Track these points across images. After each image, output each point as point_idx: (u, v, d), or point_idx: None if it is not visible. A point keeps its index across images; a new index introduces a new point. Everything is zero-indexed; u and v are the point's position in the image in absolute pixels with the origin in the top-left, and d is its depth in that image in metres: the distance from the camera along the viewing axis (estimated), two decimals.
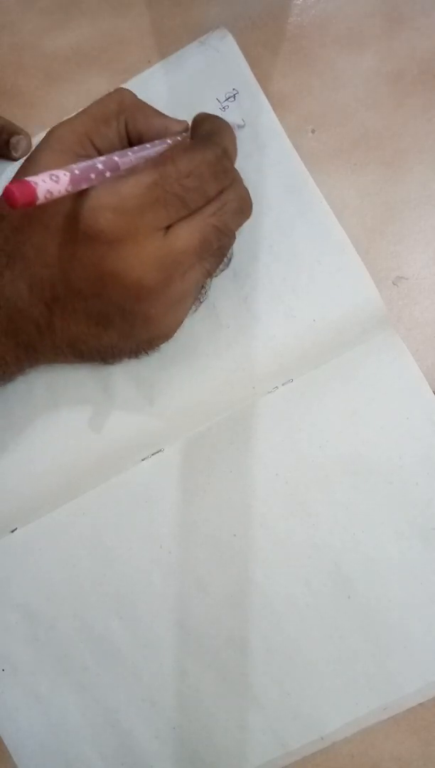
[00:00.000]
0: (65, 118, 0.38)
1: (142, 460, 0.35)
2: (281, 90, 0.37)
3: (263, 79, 0.37)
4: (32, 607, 0.35)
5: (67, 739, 0.34)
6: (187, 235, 0.29)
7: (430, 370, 0.34)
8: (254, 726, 0.33)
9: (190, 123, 0.33)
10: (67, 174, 0.25)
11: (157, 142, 0.31)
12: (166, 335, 0.32)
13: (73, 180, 0.26)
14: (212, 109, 0.36)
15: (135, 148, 0.30)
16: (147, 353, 0.34)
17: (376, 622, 0.33)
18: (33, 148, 0.38)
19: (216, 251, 0.31)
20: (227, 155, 0.30)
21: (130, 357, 0.34)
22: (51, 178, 0.25)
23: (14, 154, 0.37)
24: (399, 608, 0.33)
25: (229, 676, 0.33)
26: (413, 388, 0.33)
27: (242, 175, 0.32)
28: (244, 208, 0.31)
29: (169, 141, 0.32)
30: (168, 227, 0.29)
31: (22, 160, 0.38)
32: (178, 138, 0.32)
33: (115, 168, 0.28)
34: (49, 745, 0.35)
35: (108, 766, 0.34)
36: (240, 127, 0.36)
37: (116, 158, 0.28)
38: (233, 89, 0.36)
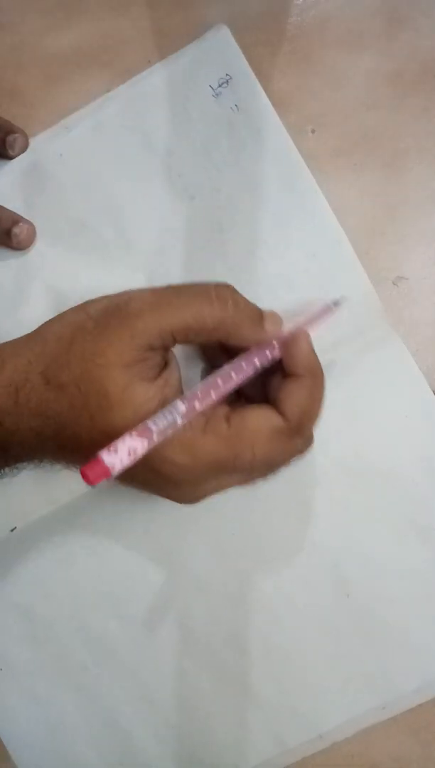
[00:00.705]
0: (66, 117, 0.38)
1: None
2: (281, 90, 0.37)
3: (263, 79, 0.37)
4: (30, 606, 0.35)
5: (65, 739, 0.34)
6: (239, 481, 0.30)
7: (430, 370, 0.34)
8: (253, 724, 0.33)
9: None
10: (145, 445, 0.26)
11: (243, 365, 0.29)
12: (188, 503, 0.31)
13: (151, 445, 0.26)
14: (205, 96, 0.36)
15: (219, 384, 0.28)
16: None
17: (374, 621, 0.33)
18: (29, 146, 0.38)
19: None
20: (309, 443, 0.30)
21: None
22: (129, 456, 0.25)
23: (10, 153, 0.37)
24: (397, 607, 0.33)
25: (227, 674, 0.33)
26: (412, 386, 0.33)
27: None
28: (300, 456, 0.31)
29: (256, 362, 0.29)
30: None
31: (17, 158, 0.37)
32: (263, 356, 0.30)
33: (193, 413, 0.28)
34: (48, 745, 0.35)
35: (106, 765, 0.34)
36: (338, 303, 0.33)
37: (197, 405, 0.28)
38: (226, 74, 0.36)
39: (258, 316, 0.30)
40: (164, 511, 0.34)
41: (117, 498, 0.35)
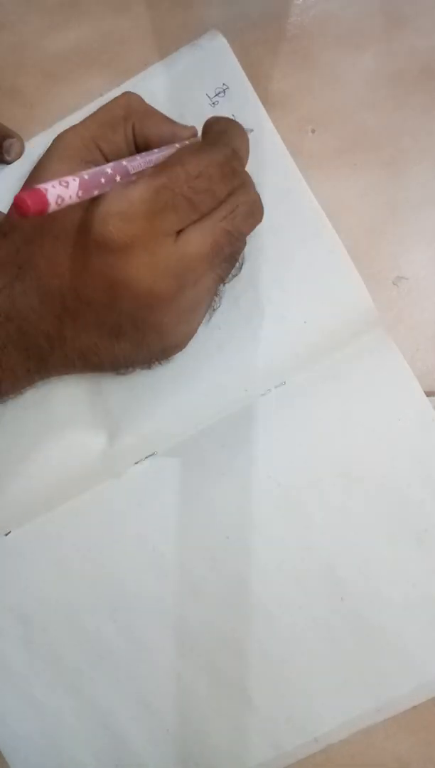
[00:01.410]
0: (66, 117, 0.38)
1: (136, 463, 0.35)
2: (281, 90, 0.37)
3: (263, 79, 0.37)
4: (25, 609, 0.35)
5: (60, 742, 0.34)
6: (198, 240, 0.28)
7: (431, 370, 0.34)
8: (248, 728, 0.33)
9: (199, 128, 0.33)
10: (77, 179, 0.25)
11: (165, 147, 0.31)
12: (179, 345, 0.32)
13: (83, 185, 0.25)
14: (202, 105, 0.36)
15: (144, 153, 0.30)
16: (160, 363, 0.33)
17: (369, 624, 0.32)
18: (25, 150, 0.38)
19: (228, 256, 0.31)
20: (237, 156, 0.30)
21: (142, 367, 0.33)
22: (61, 184, 0.24)
23: (7, 158, 0.37)
24: (392, 609, 0.32)
25: (222, 678, 0.33)
26: (405, 389, 0.33)
27: None
28: (255, 212, 0.31)
29: (177, 145, 0.31)
30: (178, 233, 0.28)
31: (14, 164, 0.38)
32: (187, 143, 0.32)
33: (124, 173, 0.28)
34: (43, 748, 0.34)
35: None
36: (249, 131, 0.35)
37: (125, 163, 0.28)
38: (223, 84, 0.36)
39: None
40: (158, 513, 0.34)
41: (111, 500, 0.35)
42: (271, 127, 0.36)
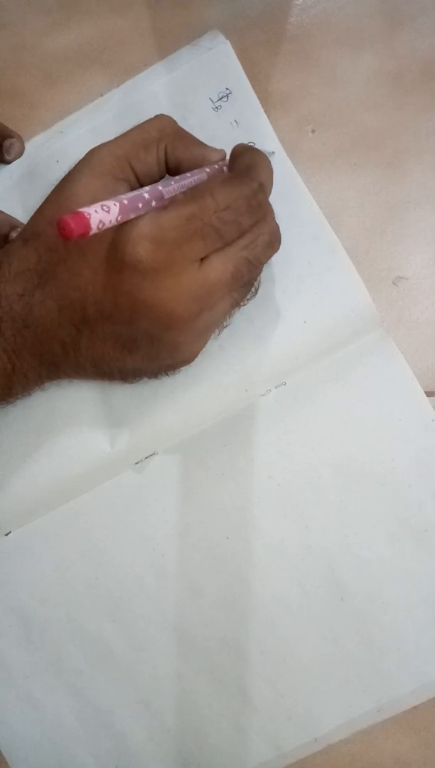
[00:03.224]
0: (66, 117, 0.38)
1: (136, 463, 0.35)
2: (281, 90, 0.37)
3: (263, 79, 0.37)
4: (26, 610, 0.35)
5: (61, 742, 0.34)
6: (221, 267, 0.29)
7: (431, 370, 0.34)
8: (248, 728, 0.33)
9: (227, 152, 0.33)
10: (117, 204, 0.26)
11: (196, 171, 0.31)
12: (189, 360, 0.33)
13: (123, 210, 0.26)
14: (205, 108, 0.36)
15: (177, 177, 0.30)
16: (167, 375, 0.34)
17: (369, 624, 0.32)
18: (25, 150, 0.38)
19: (246, 283, 0.32)
20: (263, 189, 0.31)
21: (150, 377, 0.34)
22: (103, 209, 0.25)
23: (7, 157, 0.37)
24: (392, 610, 0.32)
25: (223, 678, 0.33)
26: (405, 389, 0.33)
27: None
28: (274, 242, 0.32)
29: (207, 170, 0.32)
30: (202, 259, 0.29)
31: (14, 163, 0.38)
32: (216, 167, 0.32)
33: (159, 197, 0.28)
34: (43, 748, 0.34)
35: None
36: (271, 154, 0.35)
37: (160, 188, 0.29)
38: (226, 89, 0.36)
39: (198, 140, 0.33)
40: (158, 513, 0.34)
41: (111, 500, 0.35)
42: (273, 133, 0.36)
